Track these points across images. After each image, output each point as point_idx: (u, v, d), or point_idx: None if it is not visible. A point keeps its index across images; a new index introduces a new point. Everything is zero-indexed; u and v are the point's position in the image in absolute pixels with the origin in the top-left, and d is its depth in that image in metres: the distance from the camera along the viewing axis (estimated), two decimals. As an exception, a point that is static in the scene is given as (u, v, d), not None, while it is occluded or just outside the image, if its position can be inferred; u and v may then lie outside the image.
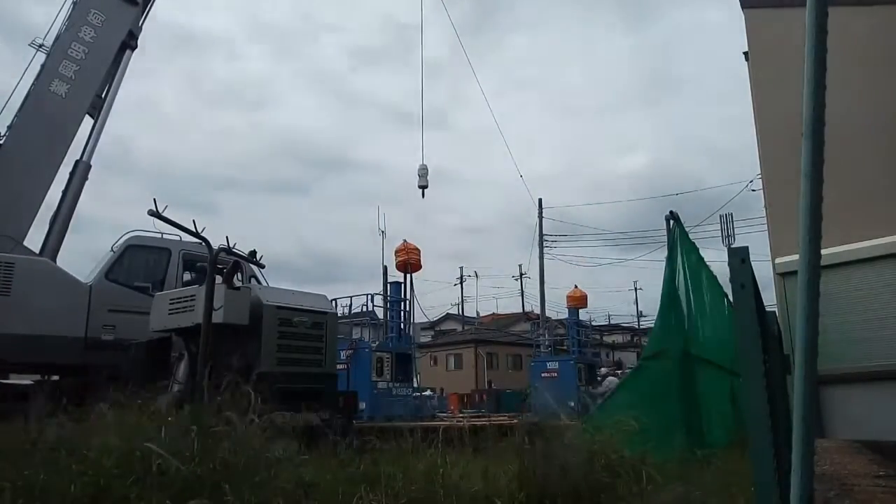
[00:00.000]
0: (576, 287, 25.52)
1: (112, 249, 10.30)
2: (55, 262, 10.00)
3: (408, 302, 17.72)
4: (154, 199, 6.83)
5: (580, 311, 25.61)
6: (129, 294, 9.84)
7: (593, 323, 35.29)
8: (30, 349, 8.86)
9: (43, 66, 10.45)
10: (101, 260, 10.51)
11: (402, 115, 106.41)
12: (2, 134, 9.95)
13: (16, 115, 10.09)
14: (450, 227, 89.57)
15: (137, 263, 10.32)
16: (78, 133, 10.75)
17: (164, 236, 10.02)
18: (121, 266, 10.11)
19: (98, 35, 10.88)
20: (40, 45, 10.65)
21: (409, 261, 17.57)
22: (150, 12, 12.04)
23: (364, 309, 17.60)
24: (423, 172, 15.85)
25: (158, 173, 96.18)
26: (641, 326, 47.62)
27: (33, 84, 10.32)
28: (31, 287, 9.10)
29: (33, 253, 9.74)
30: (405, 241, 18.01)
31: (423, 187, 15.86)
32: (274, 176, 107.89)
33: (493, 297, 75.43)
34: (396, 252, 17.83)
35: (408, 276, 17.73)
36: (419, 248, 17.91)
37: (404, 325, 17.56)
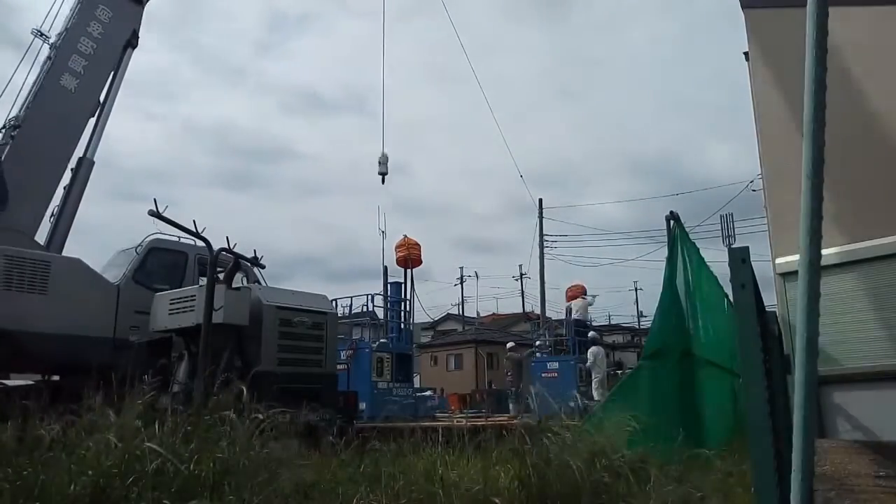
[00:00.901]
0: (576, 285, 25.28)
1: (136, 251, 10.33)
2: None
3: (408, 302, 17.69)
4: (154, 200, 6.84)
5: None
6: (151, 295, 9.86)
7: (593, 323, 35.26)
8: (65, 349, 8.81)
9: (52, 59, 10.43)
10: (119, 259, 10.52)
11: (315, 101, 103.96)
12: (14, 127, 9.93)
13: (27, 109, 10.05)
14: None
15: (159, 266, 10.38)
16: (85, 128, 10.76)
17: (181, 240, 10.03)
18: (144, 268, 10.15)
19: (105, 31, 10.90)
20: (39, 34, 10.63)
21: (410, 256, 17.53)
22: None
23: (364, 309, 17.59)
24: (384, 160, 16.15)
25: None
26: (641, 326, 47.64)
27: (44, 78, 10.29)
28: (67, 286, 9.07)
29: (42, 248, 9.74)
30: (405, 236, 18.01)
31: (383, 174, 16.15)
32: (214, 169, 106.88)
33: (494, 298, 75.32)
34: (396, 247, 17.78)
35: (408, 271, 17.67)
36: (419, 242, 17.89)
37: (404, 325, 17.45)
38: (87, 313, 9.16)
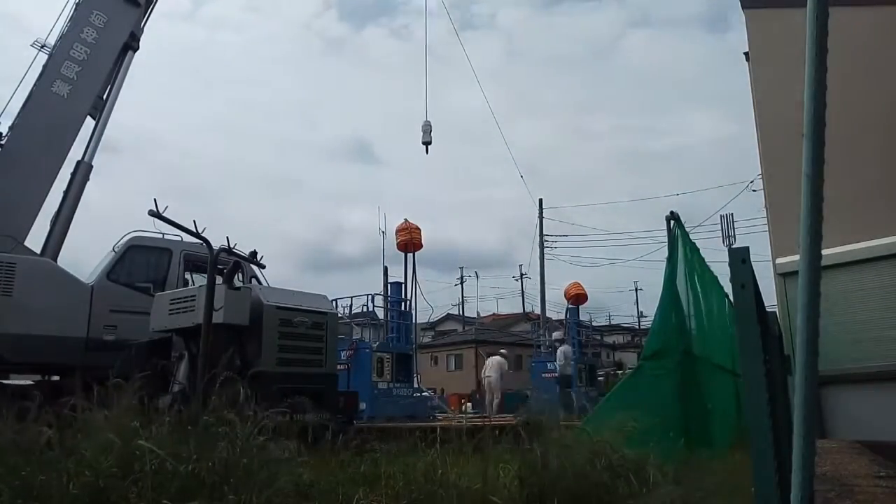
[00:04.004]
0: (575, 283, 25.20)
1: (114, 250, 10.31)
2: (56, 262, 10.00)
3: (408, 302, 17.63)
4: (154, 199, 6.80)
5: (580, 308, 25.43)
6: (131, 294, 9.85)
7: (594, 323, 35.32)
8: (32, 349, 8.87)
9: (45, 66, 10.46)
10: (102, 260, 10.52)
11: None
12: (3, 134, 9.96)
13: (17, 116, 10.10)
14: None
15: (139, 264, 10.33)
16: (78, 133, 10.76)
17: (166, 236, 10.03)
18: (122, 266, 10.12)
19: (100, 36, 10.88)
20: (42, 46, 10.66)
21: (412, 240, 17.39)
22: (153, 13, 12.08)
23: (364, 309, 17.53)
24: (427, 128, 15.92)
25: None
26: (642, 327, 47.66)
27: (35, 85, 10.33)
28: (33, 287, 9.09)
29: (34, 253, 9.75)
30: (406, 219, 17.89)
31: (427, 143, 15.96)
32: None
33: (494, 298, 75.37)
34: (397, 231, 17.61)
35: (409, 255, 17.53)
36: (420, 227, 17.76)
37: (405, 306, 17.22)
38: (57, 314, 9.17)
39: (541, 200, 32.37)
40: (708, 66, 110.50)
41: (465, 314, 50.49)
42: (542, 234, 31.86)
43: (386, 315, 17.56)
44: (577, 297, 24.61)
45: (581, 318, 26.01)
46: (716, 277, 8.14)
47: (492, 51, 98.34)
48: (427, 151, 16.07)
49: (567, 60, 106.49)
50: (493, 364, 19.99)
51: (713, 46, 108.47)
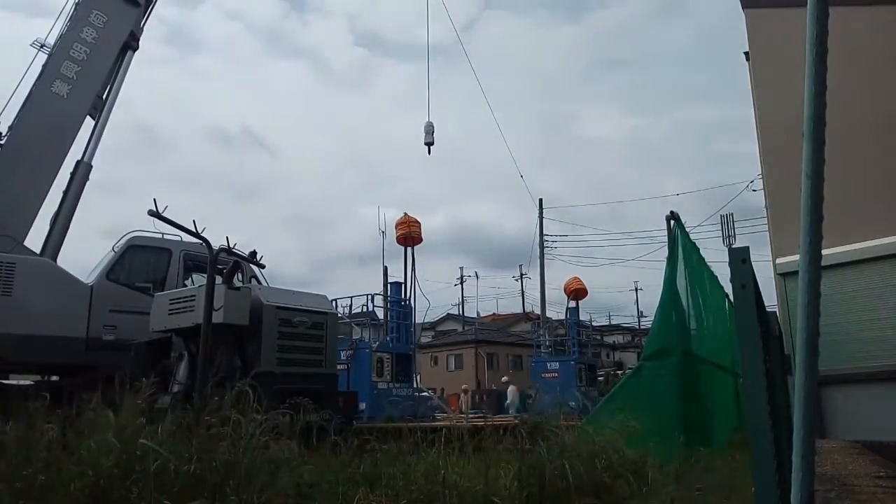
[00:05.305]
0: (575, 278, 25.14)
1: (113, 249, 10.31)
2: (56, 262, 10.00)
3: (407, 301, 17.58)
4: (154, 200, 6.80)
5: (580, 307, 25.42)
6: (130, 294, 9.85)
7: (594, 323, 35.30)
8: (31, 349, 8.87)
9: (44, 66, 10.46)
10: (101, 260, 10.52)
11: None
12: (3, 134, 9.96)
13: (17, 116, 10.09)
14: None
15: (138, 263, 10.32)
16: (78, 133, 10.76)
17: (165, 236, 10.03)
18: (122, 266, 10.12)
19: (100, 36, 10.88)
20: (41, 46, 10.65)
21: (411, 234, 17.38)
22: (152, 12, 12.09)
23: (364, 309, 17.53)
24: (430, 129, 16.09)
25: None
26: (642, 327, 47.66)
27: (35, 84, 10.32)
28: (33, 287, 9.09)
29: (33, 253, 9.75)
30: (406, 213, 17.91)
31: (430, 144, 16.11)
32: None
33: (494, 298, 75.31)
34: (397, 225, 17.60)
35: (409, 250, 17.50)
36: (419, 220, 17.76)
37: (405, 301, 17.18)
38: (56, 314, 9.18)
39: (541, 200, 32.31)
40: (569, 52, 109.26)
41: (465, 314, 50.49)
42: (541, 234, 31.84)
43: (386, 315, 17.54)
44: (577, 292, 24.60)
45: (581, 317, 25.99)
46: (716, 277, 8.15)
47: (334, 36, 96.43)
48: (429, 152, 16.20)
49: (417, 46, 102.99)
50: (511, 391, 22.75)
51: (572, 31, 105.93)
